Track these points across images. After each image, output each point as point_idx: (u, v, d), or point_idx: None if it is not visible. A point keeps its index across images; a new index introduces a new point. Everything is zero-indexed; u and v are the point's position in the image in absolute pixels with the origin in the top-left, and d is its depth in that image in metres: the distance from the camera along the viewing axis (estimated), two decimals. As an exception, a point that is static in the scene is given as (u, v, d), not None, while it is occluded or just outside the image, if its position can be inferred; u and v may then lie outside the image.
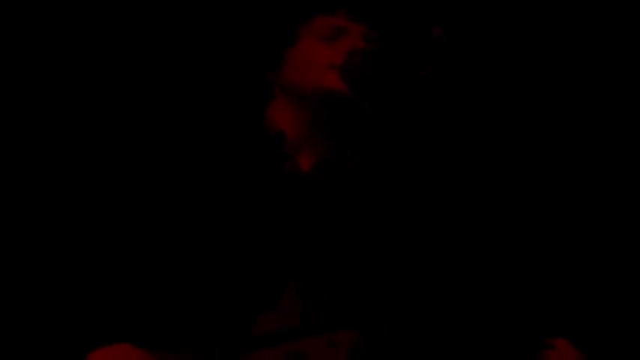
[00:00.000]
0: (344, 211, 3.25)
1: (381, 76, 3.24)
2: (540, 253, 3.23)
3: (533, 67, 3.34)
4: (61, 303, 3.38)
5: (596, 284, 3.21)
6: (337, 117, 3.27)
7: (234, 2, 3.51)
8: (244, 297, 3.32)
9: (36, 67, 3.60)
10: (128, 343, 3.10)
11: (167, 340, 3.29)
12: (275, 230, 3.29)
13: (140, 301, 3.36)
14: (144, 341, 3.19)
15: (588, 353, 3.09)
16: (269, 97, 3.36)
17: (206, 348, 3.26)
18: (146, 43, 3.56)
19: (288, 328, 3.23)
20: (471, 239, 3.21)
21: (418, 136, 3.27)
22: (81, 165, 3.53)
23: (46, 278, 3.41)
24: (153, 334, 3.29)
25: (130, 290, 3.37)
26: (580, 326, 3.14)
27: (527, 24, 3.36)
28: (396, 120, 3.26)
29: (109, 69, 3.57)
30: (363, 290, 3.22)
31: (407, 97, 3.26)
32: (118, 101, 3.56)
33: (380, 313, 3.18)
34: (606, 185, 3.31)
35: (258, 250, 3.31)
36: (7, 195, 3.49)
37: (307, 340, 3.21)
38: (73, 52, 3.60)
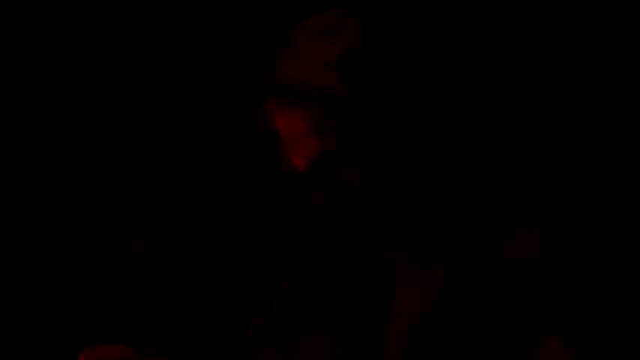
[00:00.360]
0: (339, 211, 3.25)
1: (376, 75, 3.23)
2: (534, 253, 3.23)
3: (529, 67, 3.33)
4: (59, 304, 3.39)
5: (590, 283, 3.20)
6: (332, 116, 3.27)
7: (228, 2, 3.51)
8: (241, 297, 3.33)
9: (36, 68, 3.62)
10: (122, 342, 3.11)
11: (167, 340, 3.30)
12: (270, 229, 3.30)
13: (140, 303, 3.37)
14: (143, 342, 3.20)
15: (582, 352, 3.09)
16: (264, 96, 3.36)
17: (206, 348, 3.27)
18: (142, 44, 3.57)
19: (284, 327, 3.25)
20: (465, 239, 3.21)
21: (414, 136, 3.26)
22: (79, 166, 3.54)
23: (44, 279, 3.42)
24: (152, 334, 3.30)
25: (130, 292, 3.39)
26: (573, 325, 3.14)
27: (522, 24, 3.36)
28: (391, 120, 3.25)
29: (105, 70, 3.58)
30: (357, 290, 3.22)
31: (403, 97, 3.25)
32: (114, 102, 3.57)
33: (374, 313, 3.19)
34: (600, 185, 3.30)
35: (253, 250, 3.32)
36: (7, 196, 3.51)
37: (302, 339, 3.22)
38: (71, 52, 3.61)
